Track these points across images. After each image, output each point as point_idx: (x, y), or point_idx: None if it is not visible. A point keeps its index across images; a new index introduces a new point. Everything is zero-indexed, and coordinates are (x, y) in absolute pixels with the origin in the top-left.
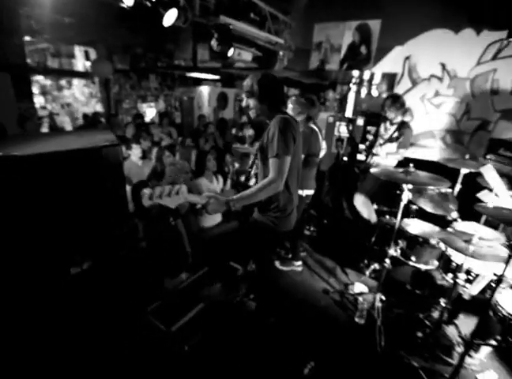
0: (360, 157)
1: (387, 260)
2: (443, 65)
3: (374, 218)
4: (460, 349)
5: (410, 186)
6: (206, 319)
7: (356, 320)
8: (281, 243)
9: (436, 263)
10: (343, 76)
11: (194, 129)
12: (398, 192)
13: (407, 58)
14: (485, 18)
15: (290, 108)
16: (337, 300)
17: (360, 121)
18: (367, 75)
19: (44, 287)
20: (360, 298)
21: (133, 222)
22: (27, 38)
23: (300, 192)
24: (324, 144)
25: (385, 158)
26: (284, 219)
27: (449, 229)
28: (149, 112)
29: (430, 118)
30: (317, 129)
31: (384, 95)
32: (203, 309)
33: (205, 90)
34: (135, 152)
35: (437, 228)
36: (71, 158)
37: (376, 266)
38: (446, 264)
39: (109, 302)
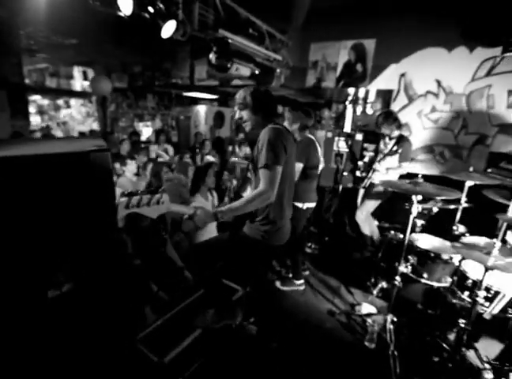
0: (359, 174)
1: (398, 278)
2: (439, 82)
3: (376, 234)
4: (486, 375)
5: (419, 197)
6: (203, 346)
7: (366, 344)
8: (275, 258)
9: (450, 280)
10: (338, 93)
11: (191, 146)
12: (406, 204)
13: (402, 75)
14: (478, 36)
15: (286, 117)
16: (344, 322)
17: (359, 137)
18: (362, 93)
19: (15, 314)
20: (369, 320)
21: (121, 237)
22: (25, 57)
23: (300, 205)
24: (321, 159)
25: (385, 173)
26: (275, 233)
27: (462, 242)
28: (146, 131)
29: (428, 133)
30: (314, 139)
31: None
32: (199, 336)
33: (201, 109)
34: (129, 169)
35: (447, 242)
36: (52, 162)
37: (384, 284)
38: (460, 280)
39: (93, 330)
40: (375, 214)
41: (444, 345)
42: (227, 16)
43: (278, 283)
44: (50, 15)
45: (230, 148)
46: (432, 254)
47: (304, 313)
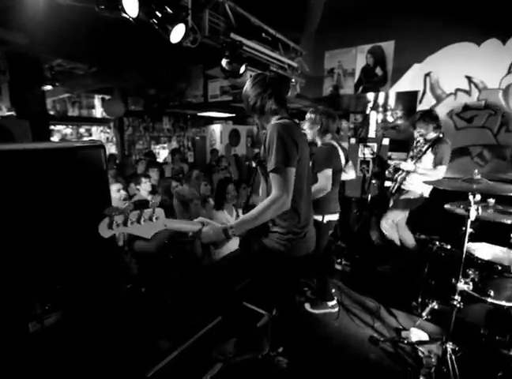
0: (387, 183)
1: (457, 298)
2: (469, 78)
3: (410, 241)
4: None
5: (478, 198)
6: None
7: None
8: (304, 274)
9: None
10: (357, 100)
11: (207, 164)
12: (462, 207)
13: (427, 74)
14: (510, 26)
15: (306, 119)
16: (390, 352)
17: (386, 141)
18: (381, 98)
19: None
20: (422, 349)
21: (122, 258)
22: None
23: (319, 218)
24: (352, 173)
25: (418, 175)
26: (298, 242)
27: None
28: (162, 153)
29: (462, 134)
30: (336, 144)
31: (399, 122)
32: (220, 372)
33: (217, 128)
34: (144, 187)
35: None
36: (32, 159)
37: (435, 305)
38: None
39: (89, 371)
40: (410, 223)
41: None
42: (238, 24)
43: (308, 306)
44: (69, 44)
45: (247, 163)
46: (498, 267)
47: (341, 341)
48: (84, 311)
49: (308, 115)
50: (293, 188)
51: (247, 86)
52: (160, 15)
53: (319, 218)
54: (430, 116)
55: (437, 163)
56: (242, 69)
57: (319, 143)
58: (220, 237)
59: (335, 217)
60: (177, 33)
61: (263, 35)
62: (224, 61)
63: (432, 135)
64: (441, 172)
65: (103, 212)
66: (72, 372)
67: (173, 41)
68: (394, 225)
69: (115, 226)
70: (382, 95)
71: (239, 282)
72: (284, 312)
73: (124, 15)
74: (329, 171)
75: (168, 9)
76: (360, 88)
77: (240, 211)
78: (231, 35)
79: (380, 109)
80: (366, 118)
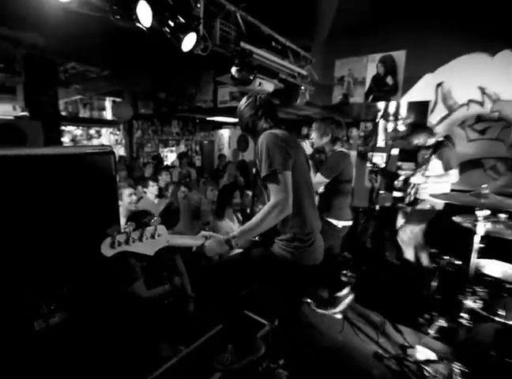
0: (396, 194)
1: (465, 316)
2: (482, 89)
3: (426, 259)
4: None
5: (487, 212)
6: None
7: None
8: (309, 285)
9: None
10: (367, 109)
11: (214, 169)
12: (469, 222)
13: (439, 84)
14: None
15: (313, 129)
16: (395, 370)
17: (395, 151)
18: (392, 107)
19: None
20: (429, 369)
21: (127, 261)
22: (61, 89)
23: (335, 222)
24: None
25: (424, 182)
26: (305, 250)
27: None
28: (170, 156)
29: (474, 146)
30: (347, 152)
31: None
32: None
33: (225, 133)
34: (151, 190)
35: None
36: (41, 164)
37: (442, 323)
38: None
39: (89, 373)
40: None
41: None
42: (248, 32)
43: (313, 304)
44: (83, 48)
45: (254, 170)
46: (508, 285)
47: (345, 355)
48: (88, 312)
49: (315, 125)
50: (293, 193)
51: (241, 106)
52: (172, 24)
53: (335, 222)
54: (417, 128)
55: (446, 168)
56: (252, 77)
57: (329, 152)
58: (223, 248)
59: (348, 224)
60: (188, 41)
61: (273, 43)
62: (233, 69)
63: (431, 141)
64: (453, 176)
65: (106, 231)
66: (73, 371)
67: (184, 49)
68: (413, 237)
69: (117, 245)
70: (392, 104)
71: (242, 288)
72: (286, 322)
73: (138, 25)
74: (321, 178)
75: (181, 19)
76: (370, 97)
77: (240, 218)
78: (241, 43)
79: (391, 118)
80: (375, 127)
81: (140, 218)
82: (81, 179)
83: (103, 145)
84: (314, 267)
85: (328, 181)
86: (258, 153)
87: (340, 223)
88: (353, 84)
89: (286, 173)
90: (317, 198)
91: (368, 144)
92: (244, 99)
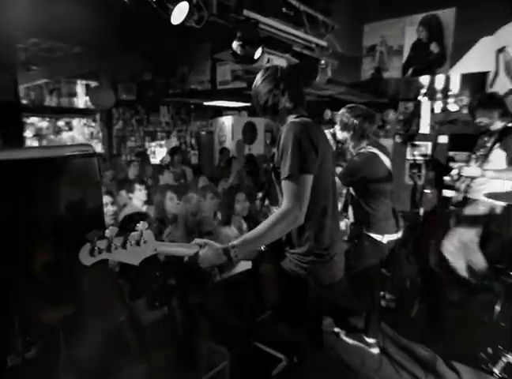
0: (447, 193)
1: None
2: None
3: (481, 265)
4: None
5: None
6: None
7: None
8: (331, 307)
9: None
10: (406, 85)
11: (216, 166)
12: None
13: (500, 50)
14: None
15: (337, 121)
16: None
17: (443, 139)
18: (439, 82)
19: None
20: None
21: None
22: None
23: (379, 237)
24: None
25: (482, 177)
26: (322, 266)
27: None
28: (159, 152)
29: None
30: (375, 152)
31: (465, 111)
32: None
33: (227, 121)
34: (138, 195)
35: None
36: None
37: (510, 359)
38: None
39: None
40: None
41: None
42: None
43: (342, 333)
44: (47, 20)
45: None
46: None
47: None
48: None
49: (339, 117)
50: (313, 198)
51: (257, 81)
52: None
53: (378, 237)
54: (492, 100)
55: (511, 162)
56: (258, 53)
57: (353, 151)
58: (220, 259)
59: (395, 237)
60: (179, 13)
61: (284, 9)
62: (235, 44)
63: (499, 125)
64: None
65: (85, 237)
66: None
67: (174, 22)
68: (461, 247)
69: (97, 252)
70: (439, 78)
71: (249, 315)
72: (307, 357)
73: None
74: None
75: None
76: (410, 70)
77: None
78: (243, 11)
79: (438, 96)
80: (417, 108)
81: (133, 222)
82: (60, 189)
83: (82, 145)
84: (331, 287)
85: (346, 187)
86: (280, 146)
87: (385, 238)
88: (387, 55)
89: (308, 177)
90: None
91: (409, 129)
92: (261, 73)
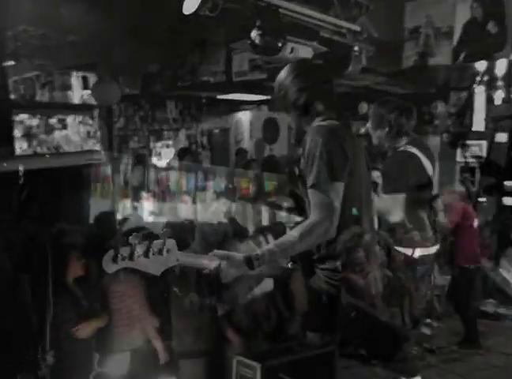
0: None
1: None
2: None
3: None
4: None
5: None
6: None
7: None
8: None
9: None
10: (458, 73)
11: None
12: None
13: None
14: None
15: (370, 116)
16: None
17: (502, 137)
18: (501, 67)
19: None
20: None
21: None
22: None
23: (409, 251)
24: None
25: None
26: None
27: None
28: (165, 154)
29: None
30: (417, 152)
31: None
32: None
33: (244, 117)
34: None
35: None
36: None
37: None
38: None
39: None
40: None
41: None
42: None
43: (378, 369)
44: (39, 4)
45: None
46: None
47: None
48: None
49: (371, 112)
50: (345, 208)
51: (285, 75)
52: None
53: (408, 251)
54: None
55: None
56: (281, 44)
57: (389, 152)
58: (242, 270)
59: (430, 251)
60: (191, 1)
61: None
62: (253, 33)
63: None
64: None
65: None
66: None
67: (186, 12)
68: None
69: (120, 259)
70: (500, 63)
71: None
72: None
73: None
74: (398, 197)
75: None
76: (462, 55)
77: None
78: None
79: (498, 84)
80: (469, 99)
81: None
82: (82, 200)
83: (92, 152)
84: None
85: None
86: (307, 151)
87: (417, 252)
88: (434, 38)
89: (339, 185)
90: None
91: (462, 123)
92: (288, 68)
